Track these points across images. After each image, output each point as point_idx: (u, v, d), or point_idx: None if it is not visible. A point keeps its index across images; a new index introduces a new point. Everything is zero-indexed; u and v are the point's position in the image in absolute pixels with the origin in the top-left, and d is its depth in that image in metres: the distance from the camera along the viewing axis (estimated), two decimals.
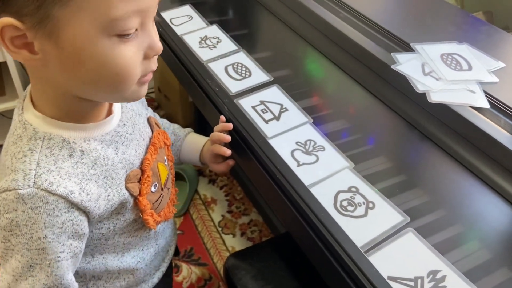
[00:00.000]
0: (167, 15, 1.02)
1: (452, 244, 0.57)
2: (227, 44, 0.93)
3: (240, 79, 0.84)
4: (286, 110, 0.77)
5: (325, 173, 0.66)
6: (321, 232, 0.59)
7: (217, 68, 0.86)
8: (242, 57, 0.89)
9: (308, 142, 0.71)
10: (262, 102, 0.78)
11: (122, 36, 0.46)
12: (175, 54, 0.93)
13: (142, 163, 0.61)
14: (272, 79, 0.83)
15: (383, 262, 0.55)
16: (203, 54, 0.90)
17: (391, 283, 0.53)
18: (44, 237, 0.50)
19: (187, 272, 1.37)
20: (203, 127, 1.79)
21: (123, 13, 0.44)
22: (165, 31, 0.97)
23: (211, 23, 0.99)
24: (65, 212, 0.50)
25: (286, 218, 0.68)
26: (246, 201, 1.62)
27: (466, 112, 0.68)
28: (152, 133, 0.65)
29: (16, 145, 0.52)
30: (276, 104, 0.78)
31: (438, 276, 0.54)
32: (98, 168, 0.54)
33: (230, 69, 0.86)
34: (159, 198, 0.64)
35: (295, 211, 0.64)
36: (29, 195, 0.48)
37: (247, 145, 0.73)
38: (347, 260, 0.55)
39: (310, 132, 0.73)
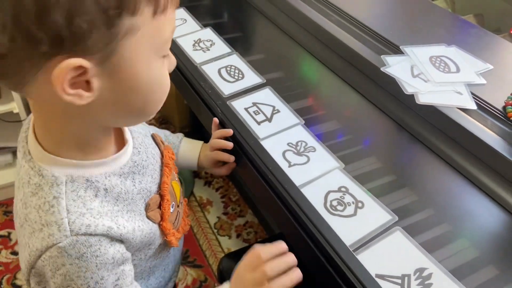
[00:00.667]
0: None
1: (439, 242, 0.59)
2: (220, 46, 0.94)
3: (233, 81, 0.85)
4: (278, 111, 0.78)
5: (315, 174, 0.67)
6: (311, 231, 0.60)
7: (210, 71, 0.87)
8: (235, 60, 0.90)
9: (299, 143, 0.72)
10: (254, 104, 0.80)
11: (165, 56, 0.46)
12: None
13: (159, 187, 0.58)
14: (265, 81, 0.85)
15: (371, 260, 0.56)
16: (197, 56, 0.91)
17: (378, 280, 0.54)
18: (101, 278, 0.49)
19: (183, 274, 1.38)
20: (199, 130, 1.80)
21: (170, 34, 0.45)
22: None
23: (205, 26, 1.00)
24: (109, 247, 0.49)
25: (278, 218, 0.69)
26: (241, 203, 1.63)
27: (454, 113, 0.69)
28: (161, 152, 0.62)
29: (37, 195, 0.47)
30: (268, 106, 0.79)
31: (425, 273, 0.55)
32: (120, 204, 0.51)
33: (223, 71, 0.87)
34: (176, 216, 0.63)
35: (286, 211, 0.65)
36: (70, 245, 0.46)
37: (240, 146, 0.74)
38: (336, 258, 0.56)
39: (301, 133, 0.74)
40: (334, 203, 0.63)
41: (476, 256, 0.58)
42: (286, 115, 0.77)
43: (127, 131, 0.55)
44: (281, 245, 0.58)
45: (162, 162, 0.61)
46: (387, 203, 0.63)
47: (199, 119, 0.90)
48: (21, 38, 0.37)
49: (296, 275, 0.56)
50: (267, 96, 0.82)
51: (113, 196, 0.50)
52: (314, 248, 0.60)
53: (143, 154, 0.56)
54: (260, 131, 0.74)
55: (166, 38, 0.45)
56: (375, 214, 0.62)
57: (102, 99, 0.43)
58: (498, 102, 0.71)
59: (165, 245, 0.62)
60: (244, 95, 0.82)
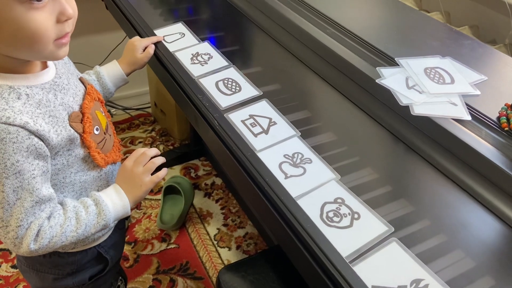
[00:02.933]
0: (160, 32, 1.04)
1: (435, 253, 0.59)
2: (218, 60, 0.95)
3: (230, 94, 0.86)
4: (275, 123, 0.79)
5: (312, 185, 0.68)
6: (308, 243, 0.60)
7: (208, 84, 0.88)
8: (233, 73, 0.91)
9: (295, 155, 0.73)
10: (251, 116, 0.80)
11: (32, 2, 0.56)
12: (167, 71, 0.95)
13: (81, 108, 0.72)
14: (262, 93, 0.85)
15: (367, 271, 0.56)
16: (195, 70, 0.92)
17: None
18: (16, 161, 0.61)
19: (183, 286, 1.37)
20: (199, 142, 1.81)
21: None
22: (158, 48, 0.99)
23: (203, 40, 1.01)
24: (27, 139, 0.61)
25: (275, 230, 0.69)
26: (241, 214, 1.63)
27: (448, 124, 0.70)
28: (85, 88, 0.77)
29: None
30: (265, 118, 0.80)
31: (421, 285, 0.55)
32: (42, 109, 0.65)
33: (220, 84, 0.88)
34: (102, 140, 0.76)
35: (283, 223, 0.65)
36: None
37: (237, 158, 0.74)
38: (333, 270, 0.56)
39: (298, 145, 0.74)
40: (331, 214, 0.64)
41: (472, 266, 0.58)
42: (283, 127, 0.78)
43: (51, 63, 0.71)
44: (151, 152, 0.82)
45: (85, 92, 0.76)
46: (383, 214, 0.63)
47: (198, 132, 0.91)
48: None
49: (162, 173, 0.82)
50: (263, 108, 0.82)
51: (35, 101, 0.64)
52: (310, 259, 0.60)
53: (64, 80, 0.72)
54: (256, 143, 0.75)
55: None
56: (371, 225, 0.62)
57: None
58: (492, 113, 0.71)
59: (92, 161, 0.74)
60: (241, 107, 0.83)
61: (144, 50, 0.97)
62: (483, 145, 0.67)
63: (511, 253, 0.60)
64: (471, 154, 0.66)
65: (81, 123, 0.71)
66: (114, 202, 0.75)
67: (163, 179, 1.24)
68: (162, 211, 1.57)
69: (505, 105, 0.71)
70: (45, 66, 0.70)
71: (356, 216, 0.63)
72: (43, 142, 0.64)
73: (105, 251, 0.84)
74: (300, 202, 0.65)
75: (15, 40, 0.59)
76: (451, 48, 0.89)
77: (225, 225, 1.59)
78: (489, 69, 0.83)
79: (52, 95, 0.68)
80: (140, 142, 1.91)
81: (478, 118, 0.71)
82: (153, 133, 1.96)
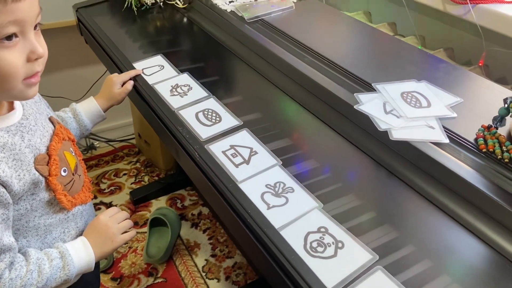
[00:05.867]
0: (139, 65, 1.04)
1: (421, 280, 0.58)
2: (197, 91, 0.95)
3: (211, 125, 0.86)
4: (256, 153, 0.78)
5: (294, 215, 0.67)
6: (292, 275, 0.59)
7: (188, 115, 0.88)
8: (213, 103, 0.91)
9: (277, 184, 0.72)
10: (232, 147, 0.80)
11: (2, 41, 0.57)
12: (147, 103, 0.95)
13: (48, 149, 0.71)
14: (242, 123, 0.85)
15: None
16: (174, 102, 0.92)
17: None
18: None
19: None
20: (184, 172, 1.80)
21: (0, 22, 0.55)
22: (137, 81, 0.99)
23: (182, 71, 1.01)
24: None
25: (258, 262, 0.68)
26: (229, 243, 1.60)
27: (427, 148, 0.70)
28: (54, 127, 0.75)
29: None
30: (246, 148, 0.80)
31: None
32: (6, 152, 0.63)
33: (200, 115, 0.88)
34: (70, 181, 0.74)
35: (267, 254, 0.64)
36: None
37: (218, 190, 0.74)
38: None
39: (279, 174, 0.74)
40: (314, 244, 0.63)
41: None
42: (264, 157, 0.78)
43: (18, 103, 0.70)
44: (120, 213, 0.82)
45: (53, 133, 0.74)
46: (367, 241, 0.62)
47: (179, 164, 0.90)
48: None
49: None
50: (244, 138, 0.82)
51: None
52: None
53: (31, 121, 0.70)
54: (238, 173, 0.74)
55: None
56: (356, 254, 0.61)
57: None
58: (469, 135, 0.72)
59: (58, 204, 0.72)
60: (221, 138, 0.82)
61: (122, 85, 0.97)
62: (462, 167, 0.67)
63: (493, 273, 0.59)
64: (451, 177, 0.66)
65: (47, 165, 0.70)
66: (80, 256, 0.73)
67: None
68: (148, 244, 1.54)
69: (481, 127, 0.72)
70: (11, 108, 0.69)
71: (340, 245, 0.62)
72: (5, 189, 0.62)
73: None
74: (283, 232, 0.64)
75: None
76: (426, 72, 0.90)
77: (213, 255, 1.56)
78: (464, 91, 0.84)
79: (18, 137, 0.67)
80: (124, 174, 1.88)
81: (456, 140, 0.72)
82: (138, 164, 1.94)
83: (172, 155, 1.74)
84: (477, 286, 0.58)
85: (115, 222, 0.81)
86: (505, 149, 0.67)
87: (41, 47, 0.62)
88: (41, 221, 0.71)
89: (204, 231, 1.65)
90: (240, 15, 1.13)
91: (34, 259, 0.68)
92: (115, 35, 1.17)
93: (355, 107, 0.79)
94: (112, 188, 1.81)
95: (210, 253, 1.57)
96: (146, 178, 1.87)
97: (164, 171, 1.90)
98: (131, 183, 1.84)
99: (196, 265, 1.52)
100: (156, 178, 1.88)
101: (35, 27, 0.61)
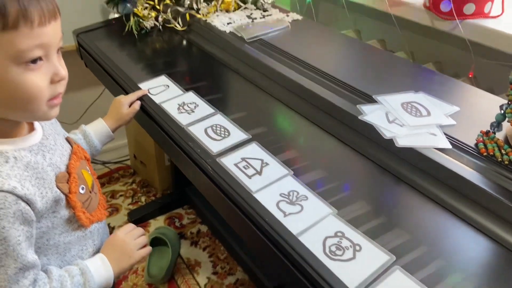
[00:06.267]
0: (144, 86, 1.07)
1: (437, 277, 0.61)
2: (204, 108, 0.98)
3: (220, 139, 0.88)
4: (267, 164, 0.81)
5: (311, 221, 0.70)
6: (314, 278, 0.61)
7: (197, 131, 0.91)
8: (220, 119, 0.94)
9: (291, 193, 0.75)
10: (243, 159, 0.83)
11: (28, 64, 0.59)
12: (155, 121, 0.97)
13: (67, 168, 0.73)
14: (250, 136, 0.88)
15: None
16: (183, 119, 0.95)
17: None
18: (2, 228, 0.60)
19: None
20: (181, 190, 1.80)
21: (27, 46, 0.58)
22: (144, 101, 1.01)
23: (187, 90, 1.04)
24: (14, 204, 0.61)
25: (278, 269, 0.70)
26: (230, 260, 1.60)
27: (431, 153, 0.75)
28: (72, 147, 0.78)
29: None
30: (257, 160, 0.82)
31: None
32: (30, 171, 0.65)
33: (209, 130, 0.91)
34: (87, 199, 0.75)
35: (287, 261, 0.66)
36: None
37: (233, 201, 0.76)
38: None
39: (292, 184, 0.77)
40: (333, 248, 0.65)
41: (473, 287, 0.60)
42: (275, 167, 0.80)
43: (37, 124, 0.72)
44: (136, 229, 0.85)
45: (71, 152, 0.77)
46: (382, 243, 0.65)
47: (189, 178, 0.92)
48: None
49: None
50: (254, 150, 0.85)
51: (23, 163, 0.64)
52: None
53: (51, 141, 0.72)
54: (252, 184, 0.77)
55: (20, 49, 0.58)
56: (373, 255, 0.64)
57: None
58: (470, 140, 0.76)
59: (76, 221, 0.73)
60: (232, 151, 0.85)
61: (130, 106, 1.00)
62: (466, 170, 0.71)
63: (499, 265, 0.63)
64: (457, 180, 0.70)
65: (67, 183, 0.72)
66: (100, 273, 0.75)
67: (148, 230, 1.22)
68: (149, 264, 1.53)
69: (480, 132, 0.77)
70: (31, 128, 0.71)
71: (357, 248, 0.65)
72: (30, 206, 0.64)
73: None
74: (301, 238, 0.67)
75: (11, 100, 0.62)
76: (421, 83, 0.95)
77: (214, 273, 1.56)
78: (460, 100, 0.89)
79: (40, 157, 0.69)
80: (121, 196, 1.88)
81: (457, 146, 0.76)
82: (134, 185, 1.94)
83: (172, 172, 1.77)
84: (489, 281, 0.61)
85: (132, 238, 0.82)
86: (504, 152, 0.72)
87: (63, 69, 0.64)
88: (61, 238, 0.72)
89: (204, 249, 1.65)
90: (239, 35, 1.17)
91: (57, 276, 0.69)
92: (118, 58, 1.20)
93: (359, 117, 0.83)
94: (109, 209, 1.80)
95: (212, 270, 1.57)
96: (143, 199, 1.87)
97: (160, 190, 1.90)
98: (128, 204, 1.84)
99: (198, 284, 1.52)
100: (153, 198, 1.88)
101: (57, 51, 0.64)
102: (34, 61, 0.60)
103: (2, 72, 0.59)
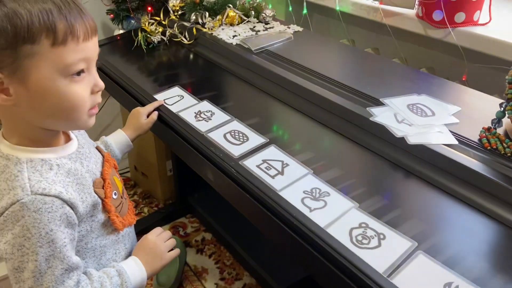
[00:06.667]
0: (159, 97, 1.11)
1: (457, 258, 0.67)
2: (220, 115, 1.03)
3: (240, 144, 0.93)
4: (287, 165, 0.87)
5: (335, 215, 0.75)
6: (346, 266, 0.66)
7: (216, 137, 0.96)
8: (237, 125, 0.99)
9: (314, 190, 0.80)
10: (264, 161, 0.88)
11: (74, 76, 0.65)
12: (174, 130, 1.01)
13: (102, 174, 0.78)
14: (268, 140, 0.94)
15: (405, 283, 0.63)
16: (201, 126, 0.99)
17: None
18: (50, 230, 0.64)
19: None
20: (184, 201, 1.84)
21: (73, 60, 0.64)
22: (161, 111, 1.06)
23: (201, 99, 1.09)
24: (60, 208, 0.65)
25: (306, 262, 0.75)
26: (236, 266, 1.64)
27: (441, 149, 0.82)
28: (103, 156, 0.83)
29: (4, 172, 0.66)
30: (277, 161, 0.88)
31: (453, 287, 0.62)
32: (71, 177, 0.70)
33: (228, 136, 0.96)
34: (120, 204, 0.80)
35: (316, 252, 0.71)
36: (30, 201, 0.63)
37: (259, 200, 0.80)
38: (375, 286, 0.63)
39: (313, 181, 0.82)
40: (359, 238, 0.71)
41: (490, 264, 0.66)
42: (295, 167, 0.86)
43: (72, 134, 0.77)
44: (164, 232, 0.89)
45: (103, 159, 0.82)
46: (404, 232, 0.71)
47: (211, 184, 0.96)
48: None
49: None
50: (273, 153, 0.90)
51: (64, 170, 0.69)
52: (349, 282, 0.66)
53: (86, 149, 0.78)
54: (275, 183, 0.82)
55: (68, 63, 0.63)
56: (397, 242, 0.70)
57: (24, 102, 0.64)
58: (473, 136, 0.84)
59: (111, 225, 0.77)
60: (252, 154, 0.90)
61: (147, 117, 1.04)
62: (473, 162, 0.78)
63: (505, 243, 0.70)
64: (465, 171, 0.77)
65: (103, 188, 0.76)
66: (134, 274, 0.79)
67: None
68: (157, 273, 1.55)
69: (483, 129, 0.84)
70: (68, 138, 0.76)
71: (382, 236, 0.71)
72: (73, 210, 0.68)
73: None
74: (329, 230, 0.72)
75: (57, 110, 0.66)
76: (422, 86, 1.03)
77: (222, 279, 1.59)
78: (459, 101, 0.97)
79: (79, 164, 0.73)
80: None
81: (463, 141, 0.83)
82: (136, 197, 1.96)
83: (175, 182, 1.80)
84: (502, 260, 0.68)
85: (162, 241, 0.86)
86: (506, 145, 0.79)
87: (100, 81, 0.70)
88: (97, 242, 0.76)
89: (209, 256, 1.69)
90: (246, 47, 1.23)
91: (96, 277, 0.73)
92: (129, 72, 1.24)
93: (371, 119, 0.90)
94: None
95: (219, 276, 1.60)
96: (145, 210, 1.89)
97: (162, 201, 1.93)
98: None
99: None
100: (156, 208, 1.90)
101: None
102: (78, 73, 0.65)
103: (51, 84, 0.64)
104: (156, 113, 1.05)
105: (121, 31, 1.52)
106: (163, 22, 1.38)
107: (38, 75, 0.62)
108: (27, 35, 0.60)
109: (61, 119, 0.68)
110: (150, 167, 1.88)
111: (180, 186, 1.82)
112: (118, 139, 1.00)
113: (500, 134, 0.81)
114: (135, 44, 1.33)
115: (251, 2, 1.39)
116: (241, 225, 1.67)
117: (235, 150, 0.92)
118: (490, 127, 0.84)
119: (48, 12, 0.61)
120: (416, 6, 1.26)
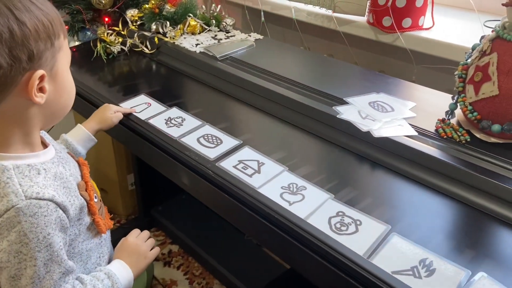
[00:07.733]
0: (126, 104, 1.11)
1: (427, 236, 0.73)
2: (191, 121, 1.04)
3: (214, 147, 0.95)
4: (263, 164, 0.90)
5: (313, 206, 0.79)
6: (329, 252, 0.70)
7: (190, 141, 0.97)
8: (209, 129, 1.01)
9: (291, 185, 0.84)
10: (240, 161, 0.90)
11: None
12: (144, 137, 1.01)
13: (82, 177, 0.79)
14: (242, 142, 0.96)
15: (384, 262, 0.68)
16: (173, 132, 1.00)
17: (395, 276, 0.66)
18: (48, 234, 0.64)
19: None
20: (148, 213, 1.81)
21: (70, 52, 0.72)
22: (130, 119, 1.05)
23: (170, 106, 1.10)
24: (54, 211, 0.65)
25: (289, 254, 0.78)
26: (206, 275, 1.64)
27: (403, 140, 0.88)
28: (76, 159, 0.83)
29: None
30: (253, 161, 0.91)
31: (427, 262, 0.68)
32: (58, 181, 0.70)
33: (202, 140, 0.98)
34: (100, 207, 0.81)
35: (299, 244, 0.74)
36: (26, 206, 0.62)
37: (238, 199, 0.83)
38: (357, 268, 0.67)
39: (289, 178, 0.86)
40: (338, 225, 0.75)
41: (455, 241, 0.73)
42: (271, 165, 0.89)
43: (46, 140, 0.77)
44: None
45: (79, 164, 0.82)
46: (377, 217, 0.76)
47: (186, 189, 0.97)
48: (11, 60, 0.59)
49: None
50: (248, 153, 0.93)
51: (51, 174, 0.69)
52: (333, 268, 0.70)
53: (63, 154, 0.79)
54: (254, 182, 0.85)
55: (70, 54, 0.72)
56: (373, 227, 0.75)
57: (50, 96, 0.67)
58: (430, 127, 0.92)
59: (94, 228, 0.78)
60: (228, 156, 0.92)
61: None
62: (432, 150, 0.86)
63: (465, 223, 0.78)
64: (426, 158, 0.84)
65: (86, 191, 0.77)
66: (122, 276, 0.79)
67: None
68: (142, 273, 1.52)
69: (438, 120, 0.92)
70: (45, 144, 0.76)
71: (358, 222, 0.76)
72: (65, 213, 0.68)
73: None
74: (309, 220, 0.76)
75: (69, 101, 0.73)
76: (380, 86, 1.11)
77: None
78: (414, 97, 1.06)
79: (62, 168, 0.74)
80: None
81: (422, 133, 0.91)
82: None
83: (137, 196, 1.77)
84: (456, 230, 0.75)
85: (143, 240, 0.86)
86: (459, 134, 0.87)
87: None
88: (84, 246, 0.76)
89: (178, 268, 1.67)
90: (211, 54, 1.26)
91: (88, 281, 0.72)
92: (90, 82, 1.23)
93: (337, 116, 0.95)
94: None
95: (189, 287, 1.59)
96: None
97: (124, 216, 1.89)
98: None
99: None
100: (118, 225, 1.86)
101: None
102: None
103: (67, 75, 0.71)
104: (121, 114, 1.04)
105: (77, 43, 1.49)
106: (123, 32, 1.38)
107: (62, 67, 0.68)
108: (56, 30, 0.66)
109: (65, 111, 0.73)
110: (110, 182, 1.84)
111: (143, 200, 1.80)
112: (78, 135, 0.97)
113: (454, 124, 0.90)
114: (95, 55, 1.31)
115: (211, 11, 1.42)
116: (208, 234, 1.67)
117: (210, 153, 0.93)
118: (445, 119, 0.92)
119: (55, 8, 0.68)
120: (367, 14, 1.35)
